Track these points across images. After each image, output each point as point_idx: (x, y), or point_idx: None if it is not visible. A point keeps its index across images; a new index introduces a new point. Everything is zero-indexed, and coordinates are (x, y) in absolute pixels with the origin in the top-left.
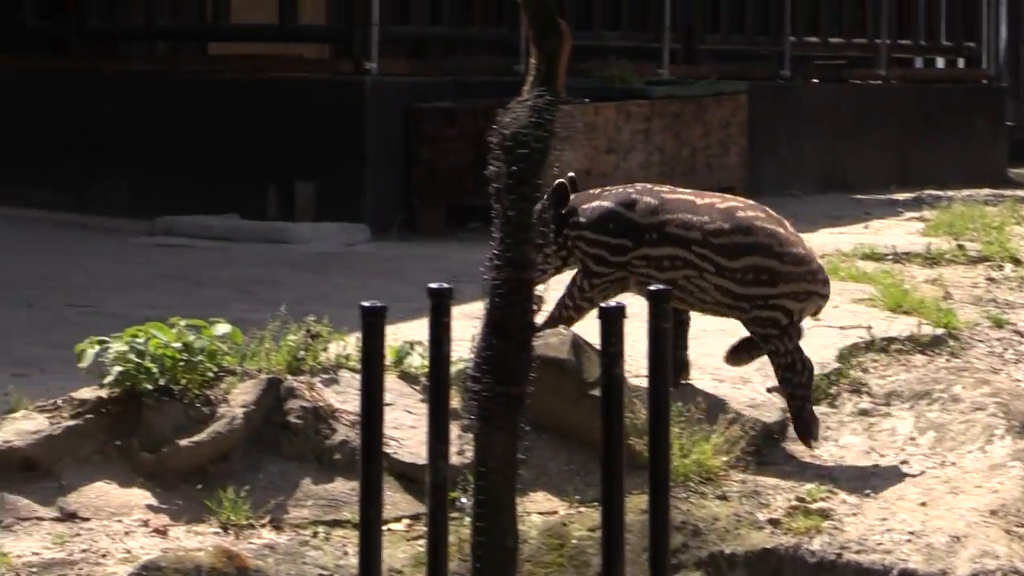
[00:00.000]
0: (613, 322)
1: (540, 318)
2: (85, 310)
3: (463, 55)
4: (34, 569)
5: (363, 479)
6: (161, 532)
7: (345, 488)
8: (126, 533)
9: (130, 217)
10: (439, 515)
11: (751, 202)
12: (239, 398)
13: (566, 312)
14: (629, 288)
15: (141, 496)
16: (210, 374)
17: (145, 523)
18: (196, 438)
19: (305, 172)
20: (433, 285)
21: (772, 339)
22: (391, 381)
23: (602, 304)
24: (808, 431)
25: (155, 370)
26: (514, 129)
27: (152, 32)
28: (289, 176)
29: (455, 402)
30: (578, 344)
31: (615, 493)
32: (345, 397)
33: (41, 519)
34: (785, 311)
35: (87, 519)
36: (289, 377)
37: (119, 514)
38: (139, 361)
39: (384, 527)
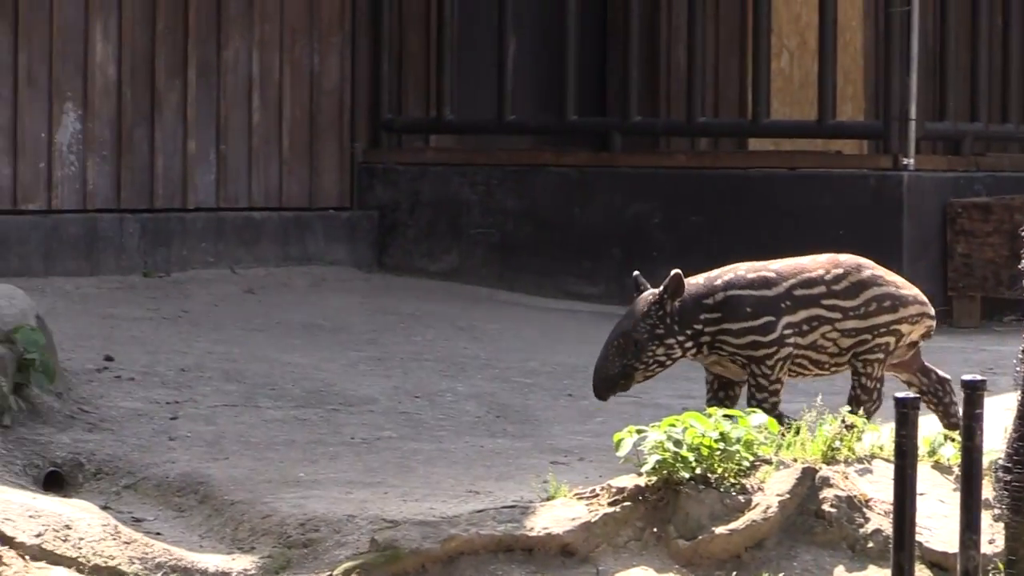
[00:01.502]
0: None
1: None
2: (625, 400)
3: (999, 151)
4: None
5: (895, 567)
6: None
7: None
8: None
9: None
10: None
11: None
12: (774, 487)
13: (767, 404)
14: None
15: None
16: (745, 463)
17: None
18: (732, 526)
19: None
20: (967, 377)
21: (874, 363)
22: (924, 471)
23: None
24: None
25: (692, 459)
26: None
27: (693, 128)
28: None
29: (987, 492)
30: None
31: None
32: (878, 487)
33: None
34: (898, 336)
35: None
36: (824, 467)
37: None
38: (676, 450)
39: None
